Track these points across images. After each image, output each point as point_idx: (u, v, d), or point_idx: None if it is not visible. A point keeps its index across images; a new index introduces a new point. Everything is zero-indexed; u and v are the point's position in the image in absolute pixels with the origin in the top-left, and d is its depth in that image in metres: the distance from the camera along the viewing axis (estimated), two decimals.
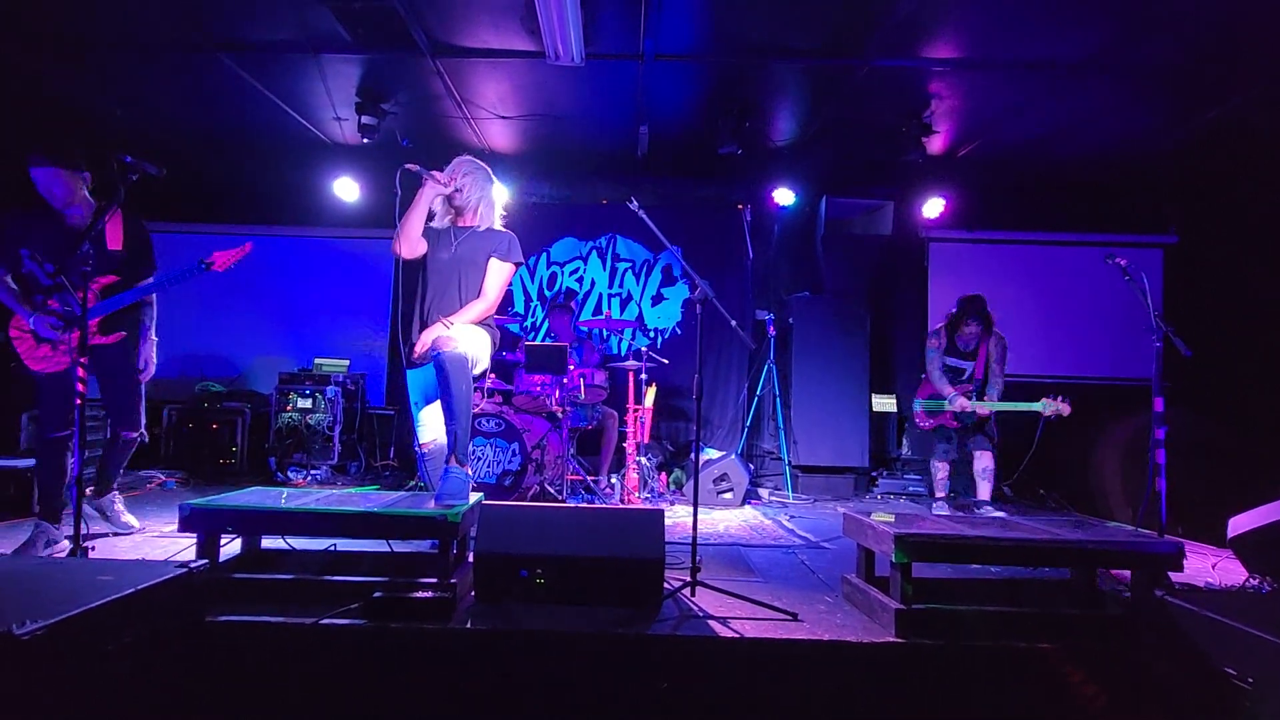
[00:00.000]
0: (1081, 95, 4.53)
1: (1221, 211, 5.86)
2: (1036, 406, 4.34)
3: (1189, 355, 3.16)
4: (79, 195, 3.07)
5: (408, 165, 2.87)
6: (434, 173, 2.92)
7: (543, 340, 6.08)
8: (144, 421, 3.28)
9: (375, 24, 3.92)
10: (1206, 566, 3.36)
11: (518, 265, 3.02)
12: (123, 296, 3.05)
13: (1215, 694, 1.74)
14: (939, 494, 4.77)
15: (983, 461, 4.57)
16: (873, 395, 5.89)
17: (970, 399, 4.53)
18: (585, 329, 5.68)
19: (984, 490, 4.55)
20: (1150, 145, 5.20)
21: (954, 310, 4.69)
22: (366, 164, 5.87)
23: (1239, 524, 2.98)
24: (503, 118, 5.17)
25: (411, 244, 2.90)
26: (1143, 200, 6.12)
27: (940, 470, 4.75)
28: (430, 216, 3.00)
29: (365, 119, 4.83)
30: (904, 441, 6.18)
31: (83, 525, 2.51)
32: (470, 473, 2.74)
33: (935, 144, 5.30)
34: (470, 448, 4.42)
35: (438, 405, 2.92)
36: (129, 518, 3.37)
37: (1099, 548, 2.32)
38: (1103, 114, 4.79)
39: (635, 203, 2.94)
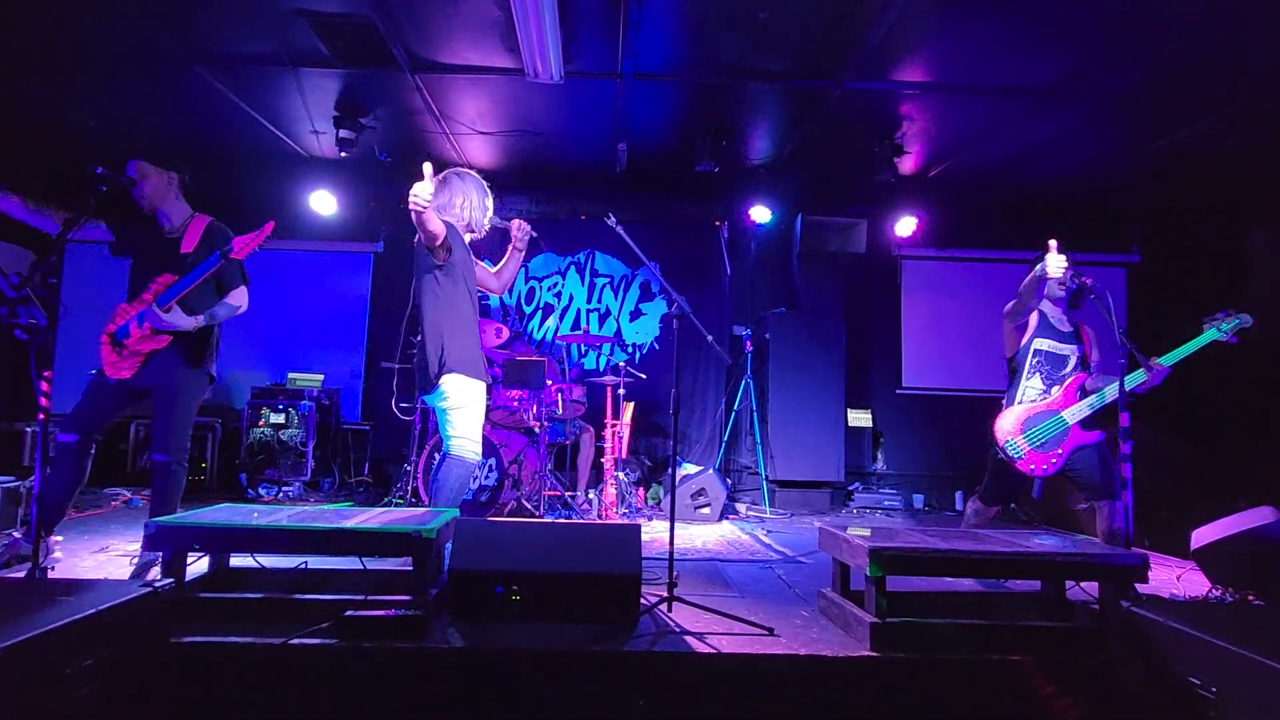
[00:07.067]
0: (1048, 119, 4.66)
1: (1182, 231, 6.06)
2: (1210, 334, 3.05)
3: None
4: (168, 197, 3.04)
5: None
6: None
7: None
8: (183, 448, 3.05)
9: (354, 39, 3.92)
10: (1172, 578, 3.44)
11: None
12: (172, 290, 2.87)
13: (1181, 704, 1.77)
14: None
15: (1106, 520, 2.91)
16: (848, 410, 5.96)
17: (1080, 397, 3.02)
18: (561, 344, 5.69)
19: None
20: (1114, 167, 5.36)
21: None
22: (344, 177, 5.84)
23: (1201, 536, 3.06)
24: (482, 133, 5.19)
25: None
26: (1107, 220, 6.31)
27: (987, 510, 3.24)
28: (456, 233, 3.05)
29: (343, 133, 4.81)
30: (879, 456, 6.25)
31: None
32: None
33: (907, 164, 5.42)
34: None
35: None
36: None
37: (1068, 560, 2.36)
38: (1068, 137, 4.94)
39: (613, 219, 2.94)
